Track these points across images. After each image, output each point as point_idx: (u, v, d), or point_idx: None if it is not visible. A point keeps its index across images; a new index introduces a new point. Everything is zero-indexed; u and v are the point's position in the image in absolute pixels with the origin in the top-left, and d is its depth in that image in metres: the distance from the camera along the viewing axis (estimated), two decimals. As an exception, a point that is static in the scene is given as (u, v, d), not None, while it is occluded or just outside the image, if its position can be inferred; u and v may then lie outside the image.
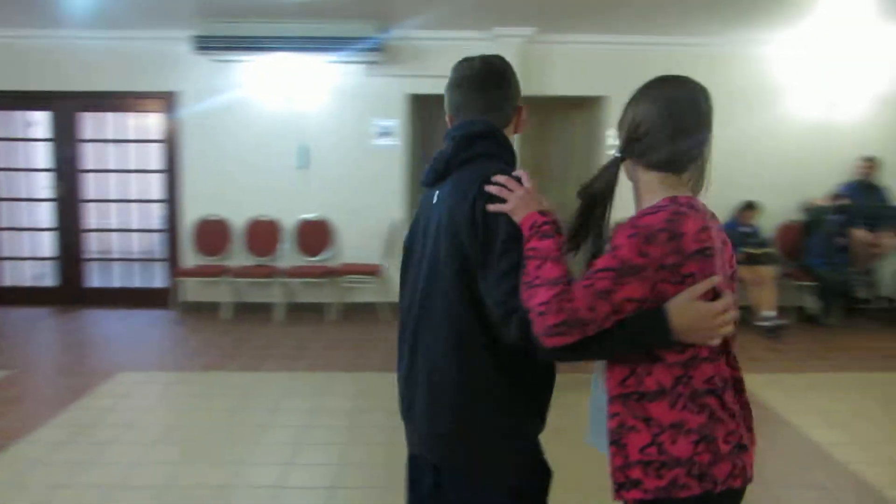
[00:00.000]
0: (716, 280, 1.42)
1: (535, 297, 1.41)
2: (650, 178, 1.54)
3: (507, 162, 1.67)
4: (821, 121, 7.10)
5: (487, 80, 1.72)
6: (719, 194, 8.08)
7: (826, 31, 6.54)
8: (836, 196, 6.80)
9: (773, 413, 4.44)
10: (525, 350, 1.47)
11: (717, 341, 1.44)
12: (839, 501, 3.34)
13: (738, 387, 1.53)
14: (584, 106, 7.32)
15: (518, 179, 1.58)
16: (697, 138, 1.51)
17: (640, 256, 1.38)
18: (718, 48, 6.89)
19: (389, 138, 7.11)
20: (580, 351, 1.42)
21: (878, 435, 4.12)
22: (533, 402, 1.64)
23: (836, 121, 7.11)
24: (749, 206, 6.84)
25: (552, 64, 6.83)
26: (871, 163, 6.88)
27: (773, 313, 6.32)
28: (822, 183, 6.99)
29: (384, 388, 4.89)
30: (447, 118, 1.80)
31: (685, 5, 5.73)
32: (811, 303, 6.86)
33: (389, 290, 7.23)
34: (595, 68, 6.92)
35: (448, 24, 6.55)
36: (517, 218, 1.53)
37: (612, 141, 6.93)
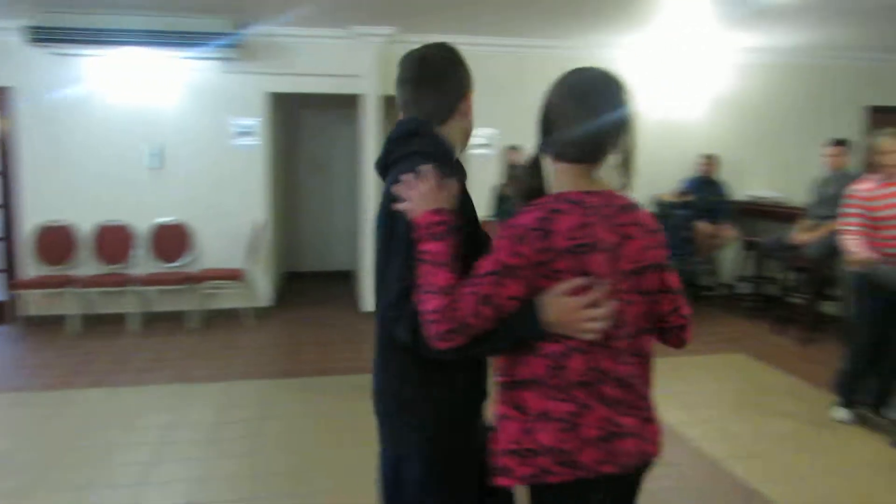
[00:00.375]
0: (578, 282, 1.45)
1: (427, 304, 1.43)
2: (560, 170, 1.55)
3: (436, 159, 1.61)
4: (666, 120, 7.57)
5: (422, 77, 1.73)
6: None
7: (668, 37, 6.97)
8: (681, 192, 7.26)
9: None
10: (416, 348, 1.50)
11: (590, 336, 1.46)
12: (687, 476, 3.57)
13: (631, 382, 1.53)
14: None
15: (422, 175, 1.55)
16: (597, 123, 1.49)
17: (515, 257, 1.43)
18: (568, 51, 7.17)
19: (249, 138, 6.89)
20: (467, 349, 1.46)
21: (719, 412, 4.45)
22: (444, 376, 1.61)
23: (679, 120, 7.60)
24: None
25: (414, 64, 6.84)
26: (710, 160, 7.40)
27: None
28: (669, 179, 7.45)
29: (250, 396, 4.73)
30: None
31: (537, 9, 5.91)
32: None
33: (253, 294, 7.01)
34: (456, 68, 7.01)
35: (307, 22, 6.43)
36: (414, 216, 1.50)
37: (482, 140, 7.07)
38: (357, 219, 7.95)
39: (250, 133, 6.88)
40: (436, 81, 1.72)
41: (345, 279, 8.92)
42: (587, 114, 1.50)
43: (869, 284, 4.01)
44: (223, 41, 6.27)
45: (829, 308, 6.20)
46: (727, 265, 7.58)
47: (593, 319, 1.45)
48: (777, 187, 7.68)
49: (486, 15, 6.12)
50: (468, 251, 1.55)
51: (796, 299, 6.47)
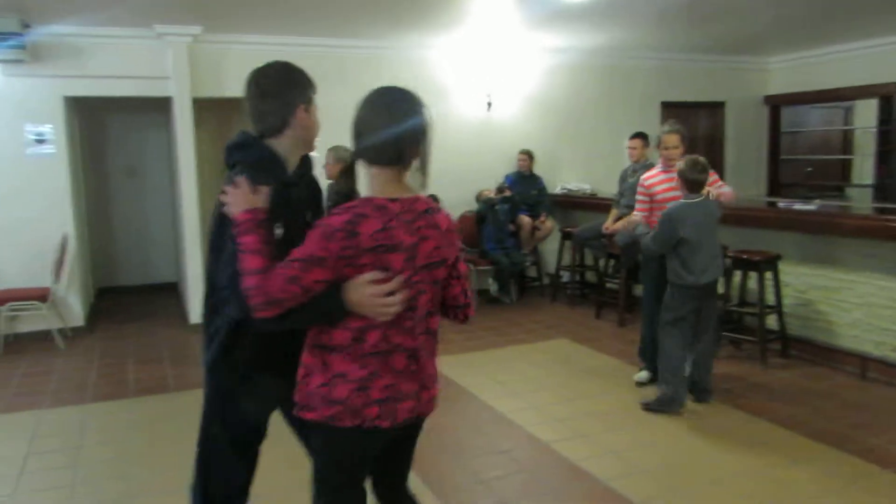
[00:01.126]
0: (377, 274, 1.78)
1: (244, 283, 1.75)
2: (373, 174, 1.86)
3: (257, 168, 1.90)
4: (484, 119, 7.84)
5: (255, 94, 1.97)
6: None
7: (479, 38, 7.22)
8: (502, 187, 7.56)
9: (462, 389, 4.80)
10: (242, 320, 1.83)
11: (385, 317, 1.81)
12: (519, 461, 3.72)
13: (416, 353, 1.90)
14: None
15: (236, 184, 1.84)
16: (397, 129, 1.79)
17: (322, 250, 1.74)
18: (385, 51, 7.24)
19: (45, 146, 6.32)
20: (284, 320, 1.77)
21: (546, 398, 4.68)
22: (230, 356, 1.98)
23: (496, 118, 7.90)
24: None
25: (225, 64, 6.60)
26: (527, 155, 7.77)
27: (458, 298, 6.85)
28: (490, 175, 7.73)
29: (66, 423, 4.35)
30: None
31: (350, 8, 5.88)
32: (491, 285, 7.55)
33: (64, 314, 6.46)
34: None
35: (105, 21, 5.99)
36: (233, 216, 1.83)
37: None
38: (178, 227, 7.55)
39: (45, 140, 6.31)
40: (267, 98, 1.96)
41: (169, 291, 8.44)
42: (389, 122, 1.81)
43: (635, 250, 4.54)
44: (9, 42, 5.70)
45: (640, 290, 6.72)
46: (550, 256, 7.99)
47: (387, 305, 1.79)
48: (590, 179, 8.20)
49: (300, 14, 6.02)
50: (292, 243, 1.80)
51: (612, 284, 6.95)
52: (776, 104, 9.15)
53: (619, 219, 6.38)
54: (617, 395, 4.66)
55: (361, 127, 1.83)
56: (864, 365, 4.90)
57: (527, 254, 7.69)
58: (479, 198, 7.61)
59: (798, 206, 5.75)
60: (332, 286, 1.77)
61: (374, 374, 1.85)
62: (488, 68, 7.75)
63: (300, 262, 1.74)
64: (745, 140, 9.32)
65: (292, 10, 5.84)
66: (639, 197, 4.79)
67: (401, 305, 1.82)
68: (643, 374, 4.85)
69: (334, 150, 4.80)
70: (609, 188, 7.28)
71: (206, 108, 7.34)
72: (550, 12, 6.10)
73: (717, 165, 9.03)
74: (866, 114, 8.62)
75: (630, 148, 6.38)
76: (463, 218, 7.73)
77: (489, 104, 7.80)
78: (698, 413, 4.29)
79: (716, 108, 9.14)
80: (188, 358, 5.73)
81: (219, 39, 6.56)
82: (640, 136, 6.38)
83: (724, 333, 5.40)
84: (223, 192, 1.87)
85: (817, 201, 6.20)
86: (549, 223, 7.71)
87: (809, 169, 9.15)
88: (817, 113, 9.35)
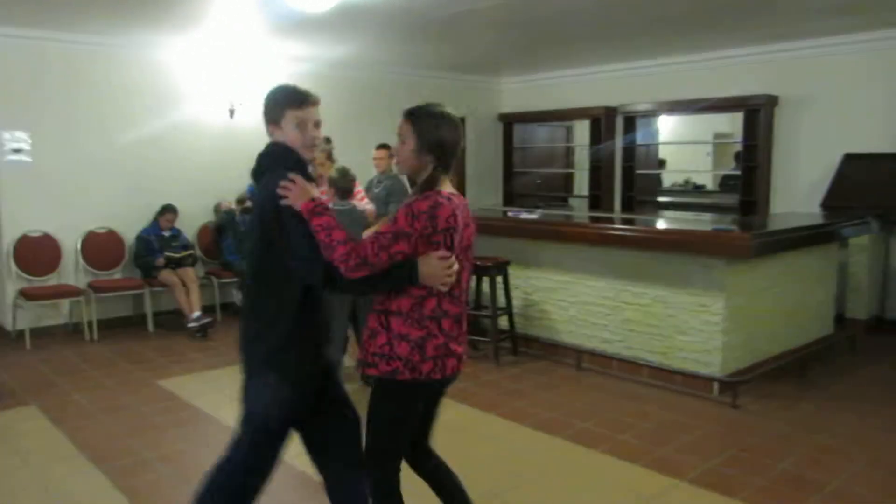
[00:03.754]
0: (444, 252, 2.26)
1: (336, 252, 2.19)
2: (438, 177, 2.32)
3: (287, 167, 2.31)
4: (226, 126, 7.55)
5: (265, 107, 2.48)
6: (137, 199, 7.93)
7: (221, 41, 6.97)
8: (242, 198, 7.29)
9: (198, 411, 4.56)
10: (328, 286, 2.26)
11: (445, 287, 2.29)
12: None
13: (459, 318, 2.39)
14: None
15: (293, 181, 2.25)
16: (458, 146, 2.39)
17: (409, 227, 2.23)
18: (115, 48, 6.72)
19: None
20: (369, 284, 2.25)
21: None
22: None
23: (240, 126, 7.65)
24: (167, 210, 6.88)
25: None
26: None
27: (198, 314, 6.52)
28: (234, 185, 7.46)
29: None
30: None
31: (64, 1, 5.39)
32: (236, 297, 7.26)
33: None
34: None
35: None
36: (297, 207, 2.24)
37: (15, 144, 6.19)
38: None
39: None
40: (266, 110, 2.47)
41: None
42: (457, 138, 2.37)
43: None
44: None
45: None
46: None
47: (448, 277, 2.27)
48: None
49: (22, 5, 5.37)
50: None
51: None
52: (509, 121, 9.92)
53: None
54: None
55: (444, 141, 2.32)
56: (579, 357, 5.46)
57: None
58: (217, 209, 7.30)
59: (524, 216, 6.27)
60: (408, 258, 2.23)
61: (429, 335, 2.30)
62: (231, 74, 7.49)
63: (390, 234, 2.22)
64: (484, 154, 9.99)
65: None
66: None
67: (454, 278, 2.30)
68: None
69: None
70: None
71: None
72: (292, 20, 6.05)
73: (460, 177, 9.59)
74: (582, 133, 9.65)
75: (376, 159, 6.53)
76: (204, 229, 7.38)
77: (232, 111, 7.54)
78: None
79: (456, 123, 9.70)
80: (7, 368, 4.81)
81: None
82: (386, 147, 6.56)
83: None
84: (281, 190, 2.24)
85: (540, 210, 6.82)
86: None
87: (539, 181, 10.02)
88: (544, 130, 10.29)
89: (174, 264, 6.74)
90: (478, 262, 5.54)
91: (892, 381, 5.19)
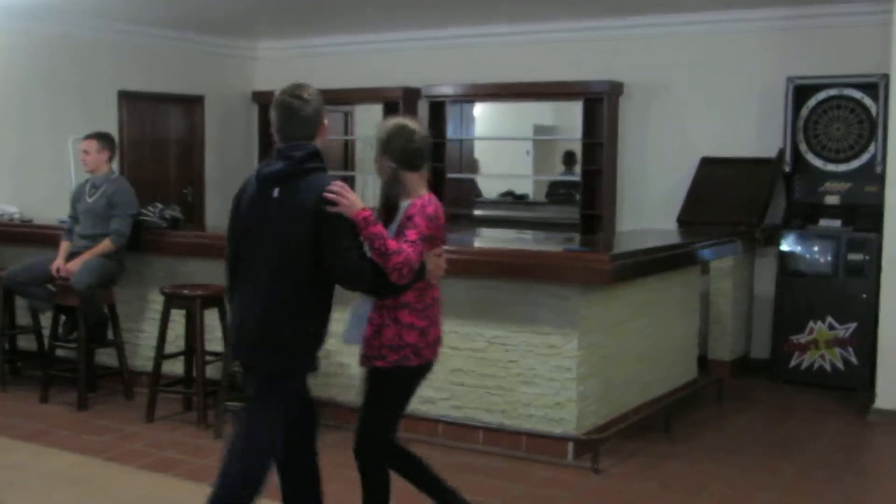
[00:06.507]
0: (441, 249, 3.78)
1: (391, 261, 3.42)
2: (416, 179, 3.79)
3: (325, 171, 3.71)
4: None
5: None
6: None
7: None
8: None
9: None
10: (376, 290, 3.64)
11: (437, 281, 3.77)
12: None
13: (440, 304, 3.87)
14: None
15: (342, 189, 3.51)
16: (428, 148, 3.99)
17: (429, 230, 3.59)
18: None
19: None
20: (406, 287, 3.60)
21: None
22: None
23: None
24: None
25: None
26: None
27: None
28: None
29: None
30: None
31: None
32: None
33: None
34: None
35: None
36: (350, 215, 3.44)
37: None
38: None
39: None
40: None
41: None
42: (424, 143, 3.88)
43: None
44: None
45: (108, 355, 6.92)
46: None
47: (443, 269, 3.77)
48: (20, 200, 7.95)
49: None
50: None
51: (67, 350, 6.89)
52: (267, 103, 10.24)
53: (74, 255, 6.50)
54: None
55: (416, 147, 3.78)
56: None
57: None
58: None
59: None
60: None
61: (431, 324, 3.77)
62: None
63: (421, 239, 3.54)
64: (230, 147, 10.36)
65: None
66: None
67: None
68: None
69: None
70: (55, 211, 7.33)
71: None
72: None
73: (198, 178, 9.85)
74: (367, 121, 10.20)
75: (83, 152, 6.62)
76: None
77: None
78: None
79: (193, 103, 10.06)
80: None
81: None
82: (99, 137, 6.66)
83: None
84: (332, 196, 3.46)
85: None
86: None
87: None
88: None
89: None
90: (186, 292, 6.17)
91: (766, 431, 6.30)
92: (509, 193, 10.80)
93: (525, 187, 10.85)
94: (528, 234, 8.07)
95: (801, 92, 7.58)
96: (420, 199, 3.71)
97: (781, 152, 7.67)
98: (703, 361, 7.44)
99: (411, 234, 3.52)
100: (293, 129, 3.66)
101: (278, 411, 3.75)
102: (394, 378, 3.74)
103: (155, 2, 8.07)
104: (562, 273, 5.46)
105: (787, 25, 7.84)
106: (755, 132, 7.94)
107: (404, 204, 3.72)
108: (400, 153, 3.73)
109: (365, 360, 3.74)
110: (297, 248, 3.57)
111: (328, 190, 3.46)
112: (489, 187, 10.69)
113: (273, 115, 3.72)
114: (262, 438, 3.73)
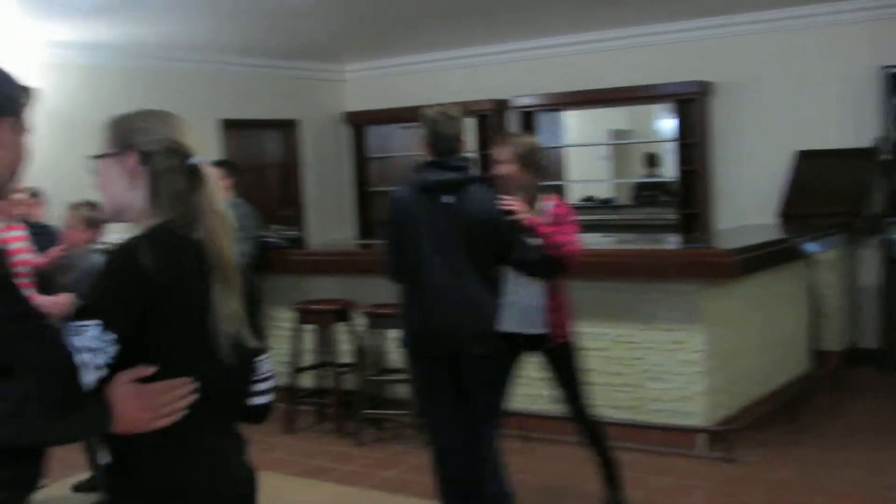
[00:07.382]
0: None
1: (565, 248, 4.22)
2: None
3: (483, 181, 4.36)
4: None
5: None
6: None
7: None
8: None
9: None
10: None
11: None
12: None
13: None
14: None
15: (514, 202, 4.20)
16: None
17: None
18: None
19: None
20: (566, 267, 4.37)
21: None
22: None
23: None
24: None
25: None
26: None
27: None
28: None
29: None
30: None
31: None
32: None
33: None
34: None
35: None
36: (524, 221, 4.12)
37: None
38: None
39: None
40: None
41: None
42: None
43: None
44: None
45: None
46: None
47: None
48: None
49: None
50: None
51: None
52: (359, 123, 10.58)
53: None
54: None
55: (546, 161, 4.86)
56: (522, 424, 6.14)
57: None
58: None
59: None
60: None
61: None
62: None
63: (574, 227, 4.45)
64: (324, 169, 10.65)
65: None
66: None
67: None
68: None
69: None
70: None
71: None
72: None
73: (296, 202, 10.11)
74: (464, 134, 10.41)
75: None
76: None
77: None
78: None
79: (289, 127, 10.39)
80: None
81: None
82: (221, 164, 6.93)
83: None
84: (510, 205, 4.09)
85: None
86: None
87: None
88: (408, 134, 10.98)
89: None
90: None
91: (890, 417, 6.39)
92: (590, 198, 10.99)
93: (606, 192, 11.02)
94: (630, 237, 8.20)
95: (895, 80, 7.65)
96: (551, 201, 4.53)
97: (878, 141, 7.75)
98: (813, 352, 7.52)
99: (570, 228, 4.38)
100: (443, 144, 4.11)
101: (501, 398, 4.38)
102: (574, 348, 4.61)
103: (248, 33, 8.36)
104: (685, 270, 5.63)
105: (878, 14, 7.89)
106: (848, 123, 8.00)
107: (540, 206, 4.42)
108: (537, 166, 4.51)
109: (549, 339, 4.47)
110: (479, 246, 4.09)
111: (503, 203, 4.10)
112: (570, 193, 10.80)
113: (424, 132, 4.15)
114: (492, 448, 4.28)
